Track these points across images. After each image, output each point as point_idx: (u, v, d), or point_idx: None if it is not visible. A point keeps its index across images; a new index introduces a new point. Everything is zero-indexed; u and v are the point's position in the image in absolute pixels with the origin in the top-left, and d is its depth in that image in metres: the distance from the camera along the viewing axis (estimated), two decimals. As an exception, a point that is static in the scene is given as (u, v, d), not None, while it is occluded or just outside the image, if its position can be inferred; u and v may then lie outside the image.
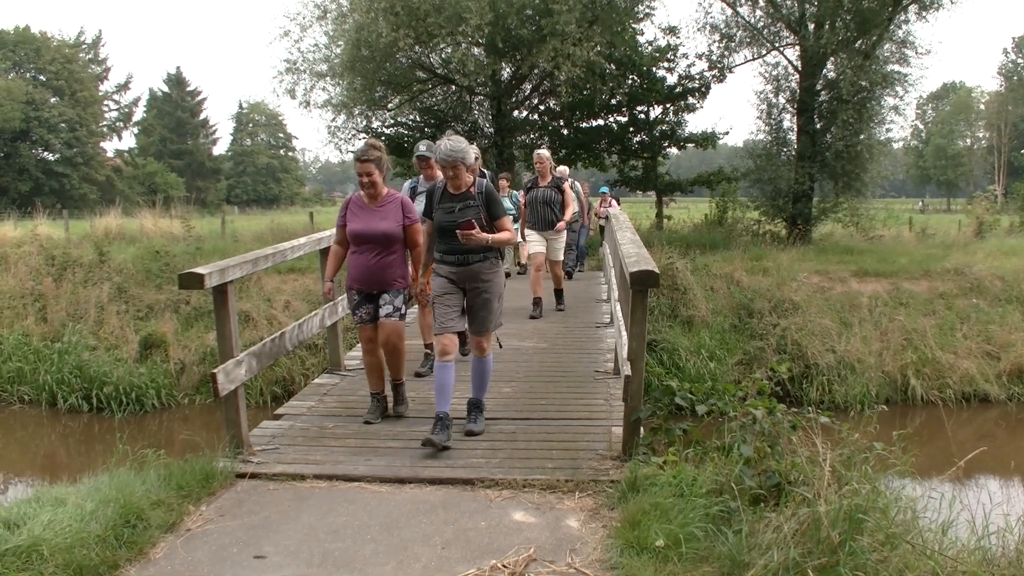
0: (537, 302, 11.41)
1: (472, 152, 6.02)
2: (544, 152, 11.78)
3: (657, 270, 5.39)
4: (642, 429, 5.70)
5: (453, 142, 5.89)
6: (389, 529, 4.71)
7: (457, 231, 5.82)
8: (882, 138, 21.80)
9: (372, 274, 6.46)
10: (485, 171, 7.49)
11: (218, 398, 5.76)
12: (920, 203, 53.00)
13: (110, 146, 70.16)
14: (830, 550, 3.77)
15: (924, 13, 20.22)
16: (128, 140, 70.84)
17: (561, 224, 11.50)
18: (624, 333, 6.47)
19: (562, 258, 11.97)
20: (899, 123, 50.54)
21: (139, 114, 72.92)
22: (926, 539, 4.03)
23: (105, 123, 68.22)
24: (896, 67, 20.57)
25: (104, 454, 7.93)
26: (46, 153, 60.48)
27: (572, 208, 11.84)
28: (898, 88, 20.62)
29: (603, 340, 9.74)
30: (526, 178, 12.90)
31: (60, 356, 12.70)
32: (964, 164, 78.71)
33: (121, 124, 70.83)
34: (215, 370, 5.65)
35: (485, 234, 5.83)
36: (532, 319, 11.11)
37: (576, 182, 16.09)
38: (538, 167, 11.59)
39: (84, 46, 67.56)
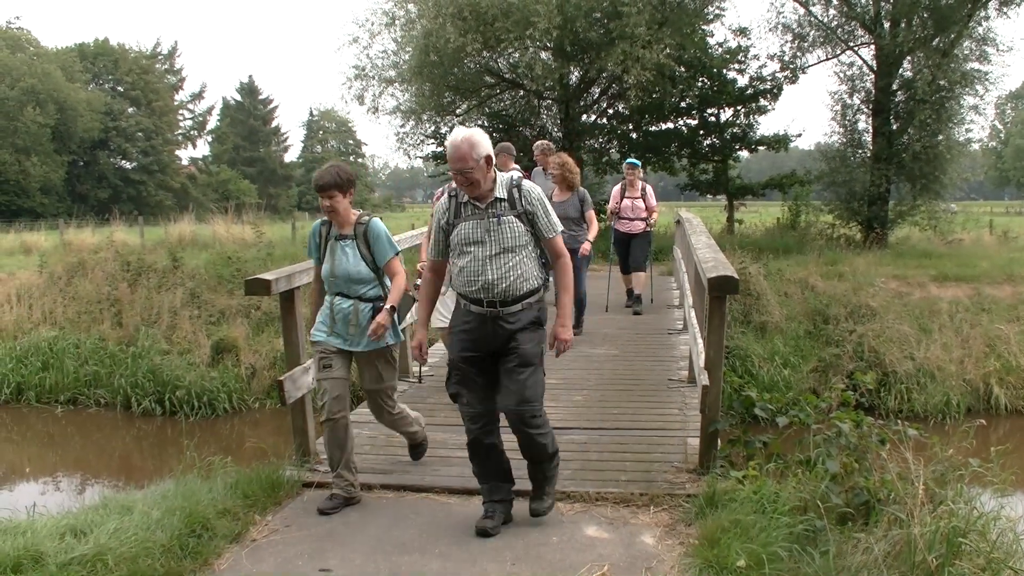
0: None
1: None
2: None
3: (736, 275, 5.18)
4: (719, 441, 5.50)
5: None
6: (458, 542, 4.57)
7: None
8: (962, 139, 21.11)
9: None
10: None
11: (285, 405, 5.72)
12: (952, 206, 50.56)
13: (185, 154, 71.65)
14: (927, 575, 3.53)
15: (1005, 8, 19.53)
16: (202, 148, 72.39)
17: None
18: (700, 341, 6.27)
19: None
20: (979, 123, 48.95)
21: (213, 122, 74.27)
22: (1031, 565, 3.75)
23: (180, 132, 69.60)
24: (976, 65, 19.85)
25: (175, 457, 7.97)
26: (123, 161, 62.05)
27: None
28: (978, 87, 19.91)
29: (676, 347, 9.51)
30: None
31: (134, 360, 12.82)
32: (1046, 165, 76.23)
33: (195, 132, 72.24)
34: (282, 377, 5.62)
35: None
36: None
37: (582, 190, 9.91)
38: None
39: (160, 57, 69.07)
